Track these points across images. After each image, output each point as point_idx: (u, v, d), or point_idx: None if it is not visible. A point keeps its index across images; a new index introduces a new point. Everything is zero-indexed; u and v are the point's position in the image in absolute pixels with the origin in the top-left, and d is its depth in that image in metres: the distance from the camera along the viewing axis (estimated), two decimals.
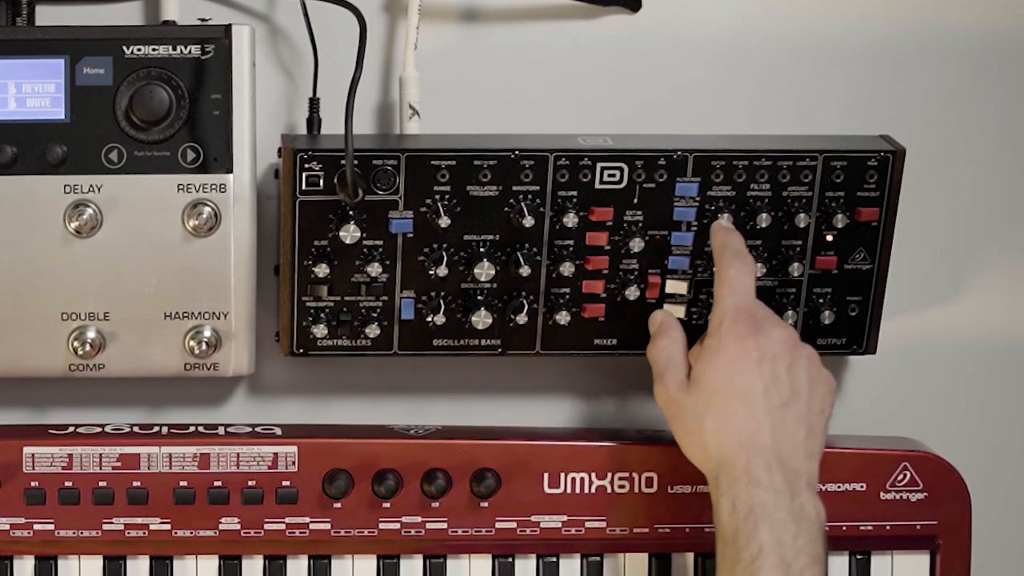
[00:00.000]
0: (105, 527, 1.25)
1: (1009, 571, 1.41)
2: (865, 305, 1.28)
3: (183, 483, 1.25)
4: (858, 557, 1.30)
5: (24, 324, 1.23)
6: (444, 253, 1.23)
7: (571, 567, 1.29)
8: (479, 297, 1.25)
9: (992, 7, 1.31)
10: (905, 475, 1.29)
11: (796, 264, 1.25)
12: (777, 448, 1.16)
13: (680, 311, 1.26)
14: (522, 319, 1.25)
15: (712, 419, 1.17)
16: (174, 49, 1.20)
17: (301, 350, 1.25)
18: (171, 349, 1.24)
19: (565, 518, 1.27)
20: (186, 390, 1.32)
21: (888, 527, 1.29)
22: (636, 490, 1.27)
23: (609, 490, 1.27)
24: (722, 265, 1.20)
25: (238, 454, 1.25)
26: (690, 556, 1.30)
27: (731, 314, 1.18)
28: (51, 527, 1.24)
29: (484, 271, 1.23)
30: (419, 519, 1.26)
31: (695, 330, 1.27)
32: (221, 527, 1.25)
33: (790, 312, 1.27)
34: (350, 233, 1.21)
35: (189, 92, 1.20)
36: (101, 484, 1.24)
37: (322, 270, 1.22)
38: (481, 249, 1.23)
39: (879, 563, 1.31)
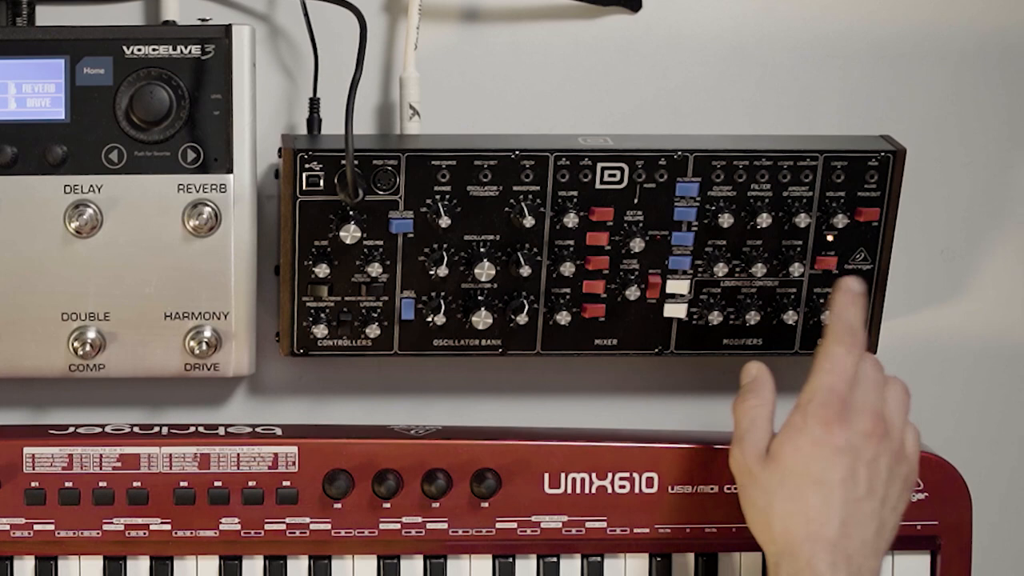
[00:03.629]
0: (105, 527, 1.25)
1: (1009, 571, 1.41)
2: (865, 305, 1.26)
3: (183, 483, 1.25)
4: None
5: (24, 324, 1.23)
6: (444, 253, 1.23)
7: (571, 567, 1.29)
8: (479, 297, 1.25)
9: (992, 7, 1.32)
10: None
11: (797, 264, 1.25)
12: (845, 543, 1.14)
13: (681, 311, 1.26)
14: (522, 319, 1.25)
15: (783, 500, 1.15)
16: (174, 49, 1.20)
17: (301, 350, 1.26)
18: (171, 349, 1.24)
19: (565, 518, 1.27)
20: (186, 390, 1.32)
21: None
22: (636, 490, 1.27)
23: (609, 490, 1.27)
24: (830, 337, 1.18)
25: (238, 454, 1.25)
26: (690, 556, 1.30)
27: (822, 395, 1.16)
28: (51, 527, 1.24)
29: (484, 271, 1.23)
30: (419, 519, 1.26)
31: (696, 330, 1.27)
32: (221, 527, 1.25)
33: (790, 313, 1.27)
34: (350, 233, 1.21)
35: (189, 92, 1.20)
36: (101, 484, 1.24)
37: (322, 270, 1.23)
38: (481, 249, 1.24)
39: None
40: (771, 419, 1.20)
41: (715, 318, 1.27)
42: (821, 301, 1.27)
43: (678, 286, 1.26)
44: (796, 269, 1.25)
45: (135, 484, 1.25)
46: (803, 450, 1.15)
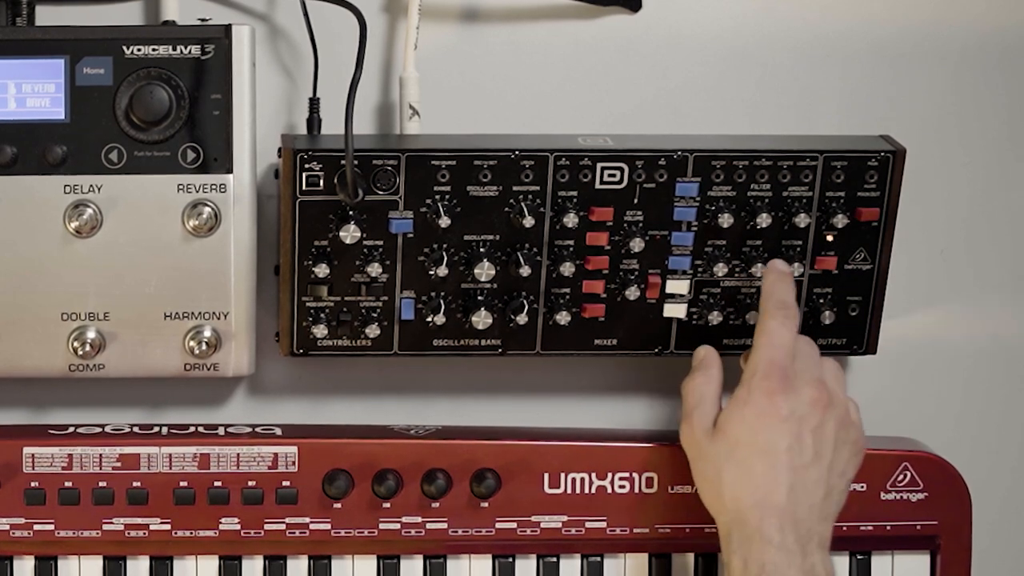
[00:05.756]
0: (105, 527, 1.25)
1: (1009, 571, 1.41)
2: (865, 305, 1.28)
3: (183, 483, 1.25)
4: (859, 557, 1.30)
5: (24, 324, 1.23)
6: (444, 253, 1.23)
7: (571, 567, 1.29)
8: (479, 297, 1.25)
9: (992, 7, 1.32)
10: (905, 475, 1.29)
11: (796, 264, 1.25)
12: (793, 508, 1.17)
13: (680, 311, 1.27)
14: (522, 319, 1.25)
15: (731, 470, 1.19)
16: (174, 49, 1.20)
17: (301, 350, 1.26)
18: (171, 349, 1.25)
19: (565, 518, 1.28)
20: (186, 390, 1.32)
21: (888, 527, 1.29)
22: (636, 490, 1.27)
23: (609, 490, 1.27)
24: (765, 314, 1.22)
25: (238, 454, 1.25)
26: (690, 556, 1.30)
27: (764, 368, 1.19)
28: (51, 527, 1.25)
29: (484, 271, 1.23)
30: (419, 519, 1.27)
31: (696, 330, 1.27)
32: (221, 527, 1.26)
33: None
34: (350, 233, 1.21)
35: (189, 92, 1.20)
36: (101, 484, 1.25)
37: (322, 270, 1.23)
38: (481, 249, 1.24)
39: (879, 563, 1.31)
40: (718, 395, 1.23)
41: (715, 318, 1.27)
42: (821, 301, 1.27)
43: (678, 286, 1.26)
44: (796, 269, 1.25)
45: (135, 484, 1.25)
46: (748, 421, 1.19)
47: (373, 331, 1.25)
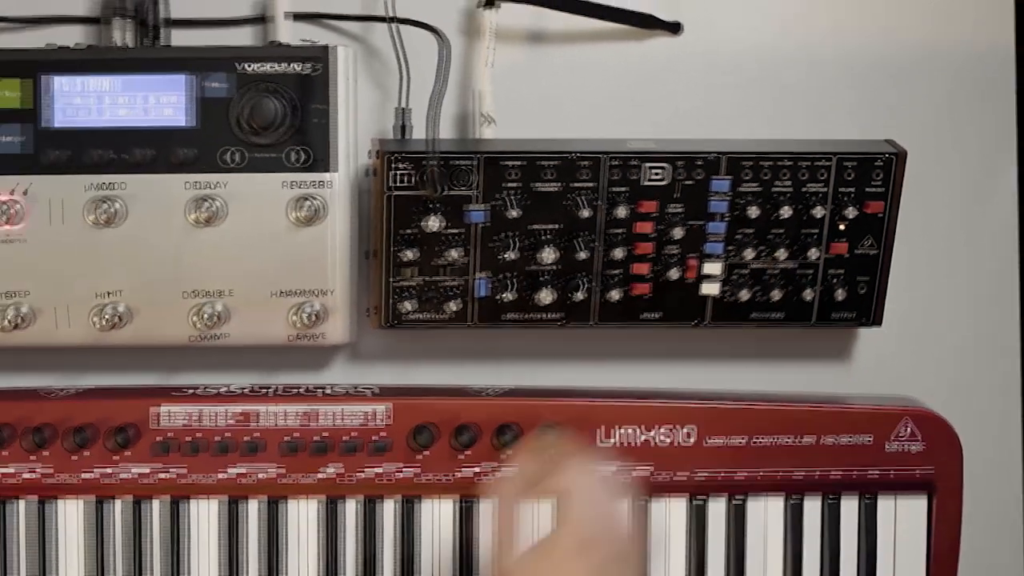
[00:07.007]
0: (224, 474, 1.28)
1: (995, 510, 1.43)
2: (872, 284, 1.33)
3: (291, 436, 1.28)
4: (866, 499, 1.34)
5: (159, 301, 1.27)
6: (514, 240, 1.28)
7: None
8: (543, 277, 1.29)
9: (980, 31, 1.37)
10: (906, 429, 1.33)
11: (814, 249, 1.30)
12: None
13: (715, 289, 1.30)
14: (580, 296, 1.29)
15: None
16: (285, 66, 1.25)
17: (392, 323, 1.29)
18: (282, 322, 1.28)
19: (617, 466, 1.30)
20: (295, 357, 1.36)
21: (892, 474, 1.33)
22: (677, 442, 1.30)
23: (654, 442, 1.30)
24: (564, 470, 1.13)
25: (339, 411, 1.28)
26: (723, 498, 1.33)
27: (566, 540, 1.10)
28: (183, 472, 1.28)
29: (548, 255, 1.28)
30: (493, 466, 1.29)
31: (728, 306, 1.31)
32: (324, 474, 1.29)
33: (808, 291, 1.31)
34: (433, 223, 1.26)
35: (297, 103, 1.24)
36: (224, 436, 1.28)
37: (409, 255, 1.27)
38: (545, 237, 1.28)
39: (884, 505, 1.35)
40: (515, 536, 1.13)
41: (744, 295, 1.32)
42: (834, 281, 1.31)
43: (713, 268, 1.31)
44: (813, 253, 1.30)
45: (251, 437, 1.29)
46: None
47: (453, 306, 1.29)
